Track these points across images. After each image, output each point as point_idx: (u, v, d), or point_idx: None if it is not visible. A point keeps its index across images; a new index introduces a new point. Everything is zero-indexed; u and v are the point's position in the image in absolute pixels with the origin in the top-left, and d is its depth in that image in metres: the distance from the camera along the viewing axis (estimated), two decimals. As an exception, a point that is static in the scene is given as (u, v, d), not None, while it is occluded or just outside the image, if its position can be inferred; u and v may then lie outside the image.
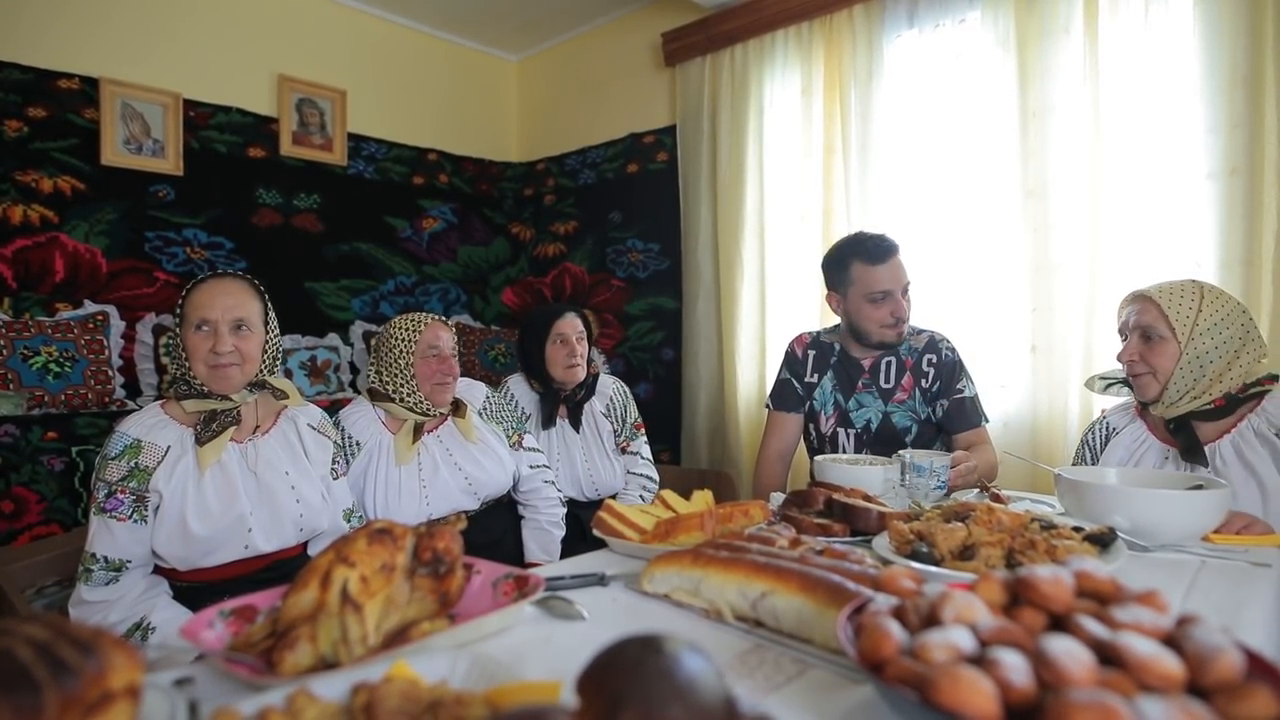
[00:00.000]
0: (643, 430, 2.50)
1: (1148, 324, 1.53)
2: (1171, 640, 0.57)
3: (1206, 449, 1.51)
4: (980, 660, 0.54)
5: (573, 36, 3.86)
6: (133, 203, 2.80)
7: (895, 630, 0.59)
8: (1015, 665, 0.52)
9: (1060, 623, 0.61)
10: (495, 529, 2.04)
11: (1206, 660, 0.53)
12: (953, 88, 2.52)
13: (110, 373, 2.66)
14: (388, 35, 3.60)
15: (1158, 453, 1.58)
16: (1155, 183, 2.13)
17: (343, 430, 1.86)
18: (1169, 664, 0.52)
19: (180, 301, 1.50)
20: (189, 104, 2.94)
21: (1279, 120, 1.89)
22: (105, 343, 2.66)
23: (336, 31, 3.41)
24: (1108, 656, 0.54)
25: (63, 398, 2.54)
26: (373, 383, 1.94)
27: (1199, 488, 1.25)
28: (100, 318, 2.67)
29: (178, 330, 1.50)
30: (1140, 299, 1.57)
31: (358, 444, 1.86)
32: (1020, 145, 2.33)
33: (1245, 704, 0.51)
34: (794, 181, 2.90)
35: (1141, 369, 1.54)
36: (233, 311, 1.47)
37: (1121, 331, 1.61)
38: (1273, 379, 1.51)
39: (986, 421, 2.07)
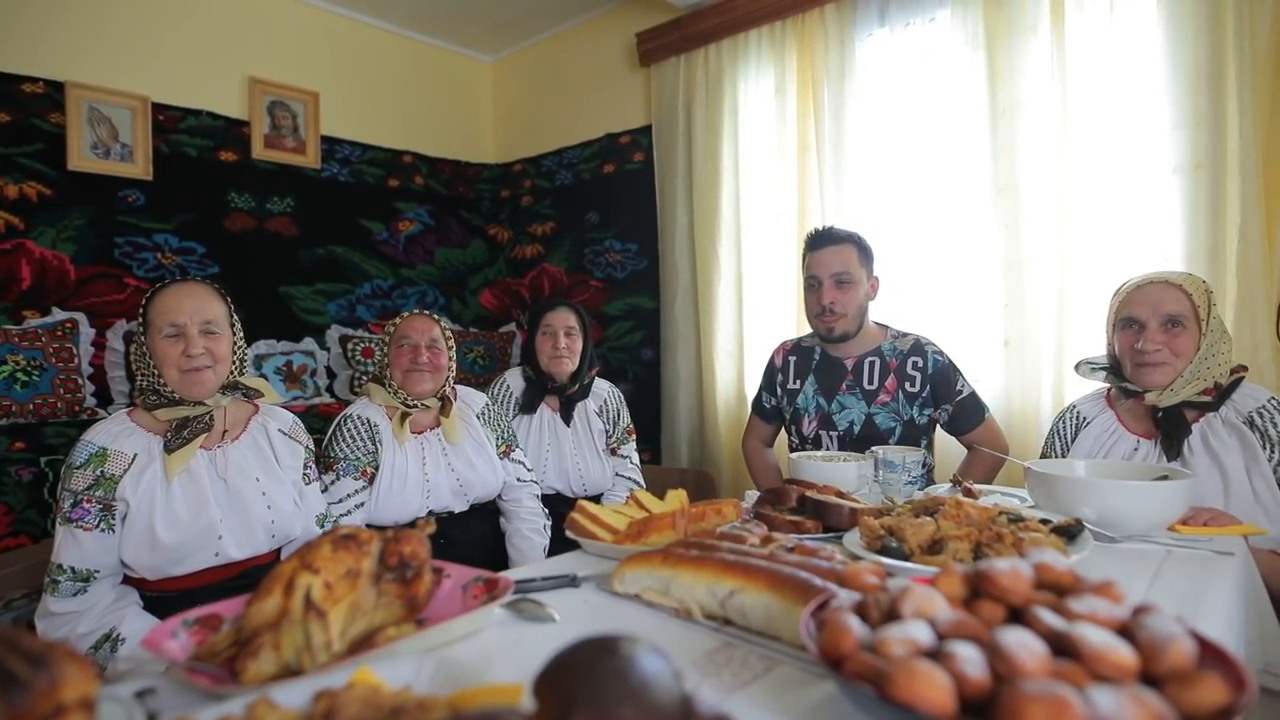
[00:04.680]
0: (633, 436, 2.54)
1: (1176, 313, 1.49)
2: (1126, 630, 0.58)
3: None
4: (937, 654, 0.54)
5: (547, 37, 3.85)
6: (101, 208, 2.76)
7: (855, 625, 0.60)
8: (971, 658, 0.52)
9: (1018, 615, 0.61)
10: (476, 528, 2.06)
11: (1159, 649, 0.54)
12: (924, 86, 2.55)
13: (80, 381, 2.62)
14: (360, 36, 3.58)
15: (1127, 443, 1.58)
16: (1123, 178, 2.17)
17: (366, 421, 1.89)
18: (1122, 654, 0.53)
19: (142, 310, 1.48)
20: (158, 107, 2.90)
21: (1240, 116, 1.92)
22: (75, 350, 2.62)
23: (308, 33, 3.39)
24: (1063, 647, 0.55)
25: (31, 407, 2.50)
26: (374, 374, 2.05)
27: (1164, 478, 1.27)
28: (69, 325, 2.63)
29: (143, 340, 1.48)
30: (1165, 286, 1.52)
31: (376, 425, 1.90)
32: (990, 142, 2.36)
33: (1195, 691, 0.51)
34: (769, 180, 2.92)
35: (1164, 358, 1.50)
36: (200, 314, 1.46)
37: (1128, 321, 1.55)
38: (1243, 368, 1.54)
39: (988, 411, 2.06)
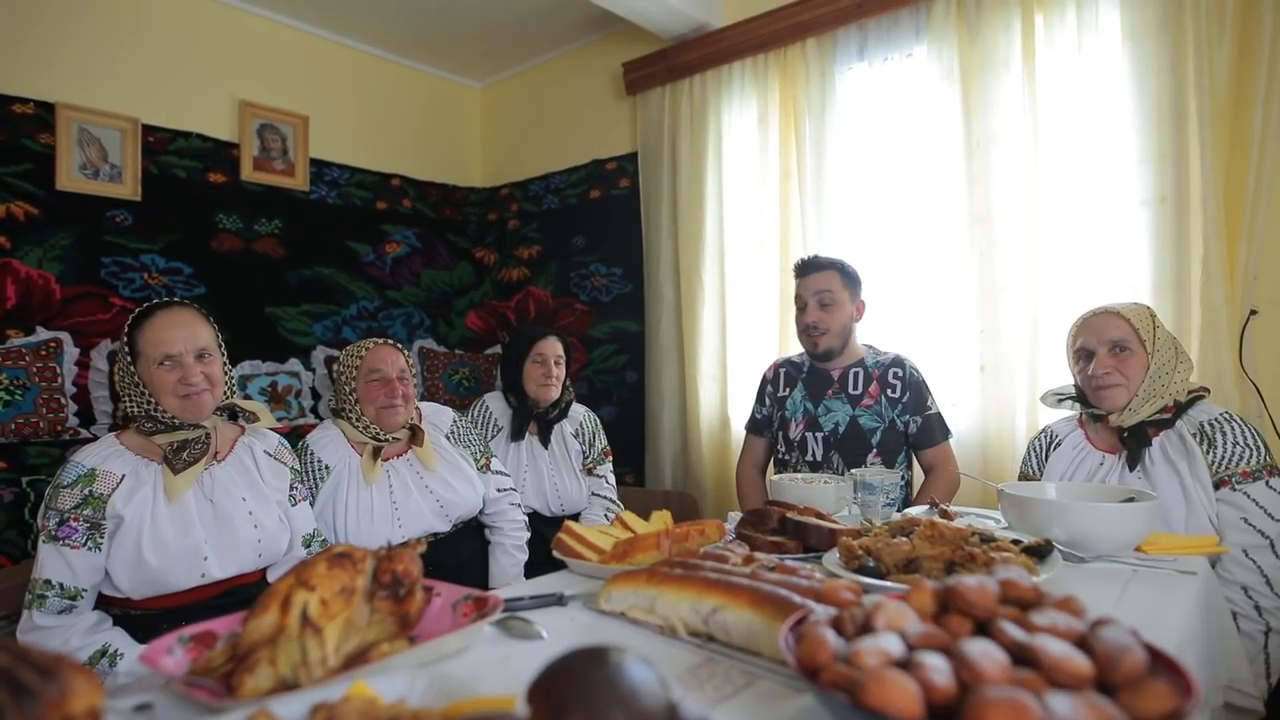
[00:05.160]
0: (610, 458, 2.61)
1: (1120, 338, 1.64)
2: (1085, 641, 0.61)
3: None
4: (907, 663, 0.58)
5: (536, 65, 3.92)
6: (88, 228, 2.76)
7: (831, 638, 0.63)
8: (938, 667, 0.56)
9: (984, 628, 0.65)
10: (464, 552, 2.07)
11: (1114, 659, 0.58)
12: (901, 118, 2.62)
13: (63, 400, 2.61)
14: (350, 61, 3.62)
15: (1094, 458, 1.71)
16: (1092, 209, 2.24)
17: (312, 455, 1.86)
18: (1079, 663, 0.57)
19: (125, 336, 1.49)
20: (148, 129, 2.92)
21: (1201, 152, 2.00)
22: (58, 370, 2.61)
23: (299, 57, 3.43)
24: (1025, 657, 0.59)
25: (13, 426, 2.48)
26: (332, 406, 1.99)
27: (1131, 500, 1.32)
28: (53, 344, 2.62)
29: (132, 368, 1.48)
30: (1107, 315, 1.68)
31: (327, 467, 1.86)
32: (966, 173, 2.43)
33: (1145, 697, 0.55)
34: (752, 207, 2.98)
35: (1116, 380, 1.63)
36: (193, 341, 1.48)
37: (1081, 351, 1.70)
38: (1205, 389, 1.67)
39: (950, 436, 2.21)
